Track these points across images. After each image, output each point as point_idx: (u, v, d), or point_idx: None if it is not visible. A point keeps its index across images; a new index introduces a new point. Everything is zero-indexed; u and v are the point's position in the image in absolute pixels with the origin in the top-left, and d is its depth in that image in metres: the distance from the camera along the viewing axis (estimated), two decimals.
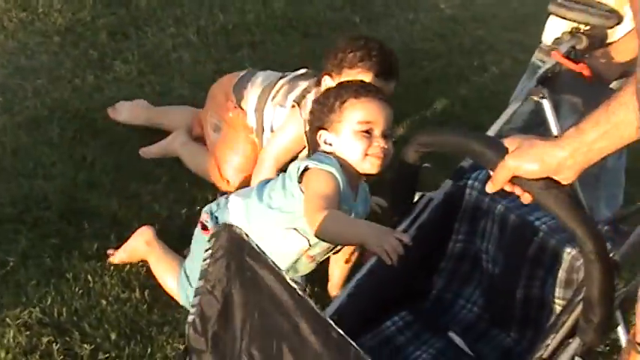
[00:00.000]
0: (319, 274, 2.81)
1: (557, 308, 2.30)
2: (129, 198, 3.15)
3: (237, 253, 1.82)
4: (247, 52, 4.22)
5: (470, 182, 2.43)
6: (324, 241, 2.47)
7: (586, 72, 2.55)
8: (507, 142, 1.86)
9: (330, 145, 2.53)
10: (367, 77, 2.85)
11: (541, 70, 2.61)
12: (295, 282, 1.70)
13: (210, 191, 3.24)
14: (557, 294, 2.30)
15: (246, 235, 1.78)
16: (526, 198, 1.88)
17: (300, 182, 2.47)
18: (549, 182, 1.82)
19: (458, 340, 2.42)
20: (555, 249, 2.28)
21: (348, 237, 2.38)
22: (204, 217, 2.67)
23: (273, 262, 1.72)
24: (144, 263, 2.85)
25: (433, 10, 4.98)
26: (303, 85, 3.10)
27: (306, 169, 2.45)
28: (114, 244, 2.91)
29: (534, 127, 2.60)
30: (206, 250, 1.89)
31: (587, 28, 2.63)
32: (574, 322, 2.08)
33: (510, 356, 2.39)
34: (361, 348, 1.56)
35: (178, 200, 3.19)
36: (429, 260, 2.49)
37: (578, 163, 1.76)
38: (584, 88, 2.57)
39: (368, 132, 2.50)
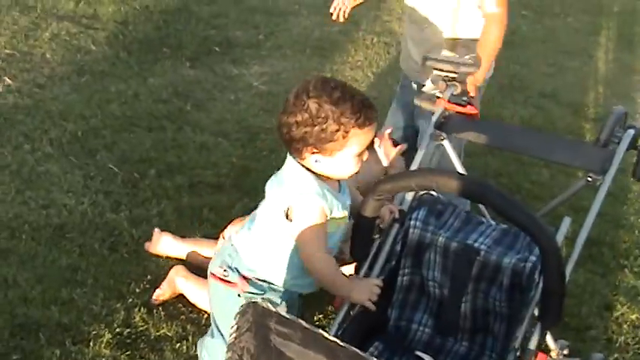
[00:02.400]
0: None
1: (504, 310, 2.79)
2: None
3: (265, 323, 1.98)
4: (105, 154, 4.43)
5: (412, 222, 2.87)
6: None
7: (473, 111, 3.11)
8: None
9: (317, 162, 2.58)
10: None
11: (434, 117, 3.12)
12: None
13: None
14: (501, 298, 2.78)
15: (272, 305, 2.04)
16: None
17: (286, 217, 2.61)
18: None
19: (425, 356, 2.84)
20: (496, 262, 2.75)
21: (336, 289, 2.74)
22: (220, 272, 2.77)
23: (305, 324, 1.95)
24: None
25: (249, 88, 5.42)
26: None
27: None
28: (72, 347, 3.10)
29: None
30: (231, 327, 2.09)
31: (457, 76, 3.19)
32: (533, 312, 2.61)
33: None
34: None
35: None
36: (385, 294, 2.91)
37: None
38: (475, 124, 3.13)
39: (361, 153, 2.63)
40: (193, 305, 3.41)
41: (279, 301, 2.81)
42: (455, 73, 3.16)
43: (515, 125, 3.30)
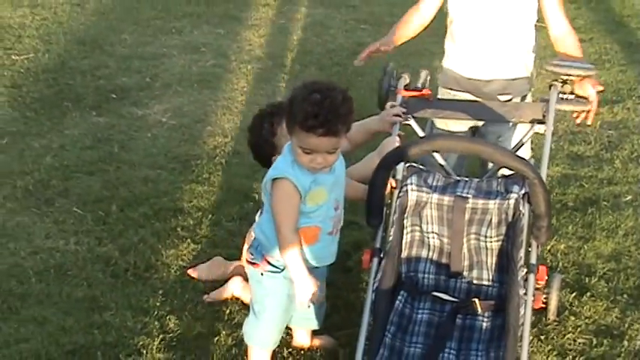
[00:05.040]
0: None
1: (494, 245, 3.42)
2: None
3: None
4: (63, 200, 4.78)
5: (409, 187, 3.43)
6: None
7: (427, 94, 3.75)
8: None
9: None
10: None
11: (397, 103, 3.73)
12: None
13: None
14: (491, 234, 3.41)
15: None
16: None
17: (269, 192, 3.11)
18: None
19: (443, 295, 3.44)
20: (484, 205, 3.38)
21: (290, 268, 3.12)
22: (249, 256, 3.31)
23: None
24: None
25: (160, 125, 5.83)
26: None
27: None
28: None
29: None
30: None
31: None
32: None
33: (481, 293, 3.40)
34: None
35: None
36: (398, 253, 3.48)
37: None
38: (430, 103, 3.77)
39: (309, 152, 3.02)
40: (211, 304, 3.87)
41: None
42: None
43: (465, 100, 3.94)
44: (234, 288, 3.91)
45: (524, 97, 4.04)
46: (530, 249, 3.30)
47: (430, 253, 3.50)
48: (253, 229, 3.42)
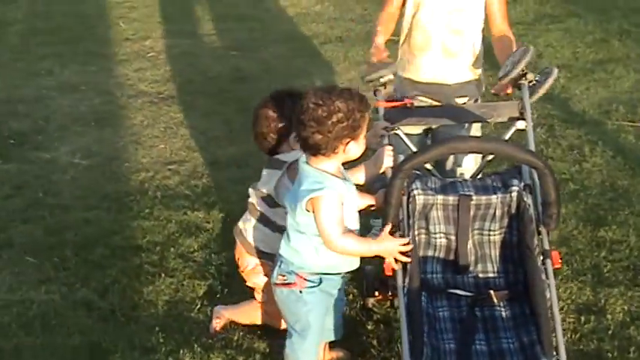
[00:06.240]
0: None
1: (497, 237, 3.61)
2: None
3: None
4: (9, 250, 4.58)
5: (415, 191, 3.56)
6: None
7: (408, 103, 3.89)
8: None
9: (349, 150, 3.20)
10: None
11: (380, 115, 3.85)
12: None
13: None
14: (495, 227, 3.59)
15: None
16: None
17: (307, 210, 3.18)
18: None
19: (459, 291, 3.59)
20: (487, 201, 3.57)
21: (367, 254, 3.34)
22: (281, 279, 3.33)
23: None
24: None
25: (74, 165, 5.65)
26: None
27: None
28: None
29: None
30: None
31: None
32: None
33: (488, 285, 3.58)
34: None
35: None
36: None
37: None
38: (412, 112, 3.91)
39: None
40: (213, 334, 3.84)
41: (334, 285, 3.39)
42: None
43: (443, 105, 4.10)
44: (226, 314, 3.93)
45: (476, 101, 4.27)
46: (540, 236, 3.49)
47: (436, 253, 3.64)
48: (278, 256, 3.41)
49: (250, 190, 3.85)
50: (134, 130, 6.23)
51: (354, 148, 3.23)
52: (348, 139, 3.18)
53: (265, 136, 3.72)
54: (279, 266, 3.35)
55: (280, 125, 3.69)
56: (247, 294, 3.96)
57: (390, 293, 4.14)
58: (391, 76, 3.84)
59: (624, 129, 6.16)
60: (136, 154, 5.80)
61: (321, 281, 3.31)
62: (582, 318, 3.98)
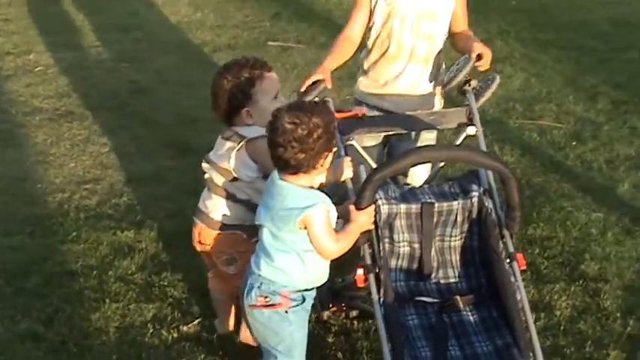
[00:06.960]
0: None
1: (457, 243, 3.66)
2: None
3: None
4: None
5: (379, 202, 3.57)
6: None
7: (360, 113, 3.89)
8: None
9: (322, 166, 3.25)
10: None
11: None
12: None
13: None
14: (455, 233, 3.64)
15: None
16: None
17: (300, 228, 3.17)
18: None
19: (426, 298, 3.61)
20: (449, 207, 3.61)
21: (354, 240, 3.32)
22: (262, 300, 3.25)
23: None
24: None
25: None
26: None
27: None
28: None
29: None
30: None
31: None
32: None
33: (450, 290, 3.63)
34: None
35: None
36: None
37: None
38: (364, 122, 3.90)
39: None
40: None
41: (311, 300, 3.37)
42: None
43: (393, 114, 4.10)
44: None
45: None
46: (504, 240, 3.56)
47: (400, 262, 3.67)
48: (256, 276, 3.33)
49: (205, 165, 3.76)
50: (38, 148, 5.97)
51: (330, 159, 3.24)
52: (327, 153, 3.19)
53: (219, 105, 3.73)
54: (259, 287, 3.27)
55: (231, 95, 3.69)
56: (199, 312, 3.97)
57: (343, 305, 4.16)
58: (324, 86, 3.86)
59: (526, 127, 6.38)
60: (46, 175, 5.56)
61: (304, 299, 3.30)
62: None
